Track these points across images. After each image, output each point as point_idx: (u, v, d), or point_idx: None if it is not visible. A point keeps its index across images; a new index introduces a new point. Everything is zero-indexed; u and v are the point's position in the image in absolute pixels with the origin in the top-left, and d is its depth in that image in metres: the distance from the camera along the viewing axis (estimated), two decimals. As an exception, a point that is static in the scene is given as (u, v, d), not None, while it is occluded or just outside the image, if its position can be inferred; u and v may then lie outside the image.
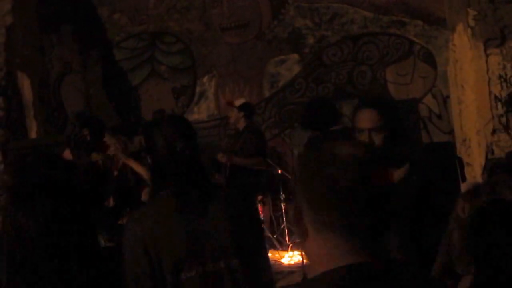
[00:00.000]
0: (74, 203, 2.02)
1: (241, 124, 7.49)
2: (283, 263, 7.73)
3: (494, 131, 6.70)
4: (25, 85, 8.26)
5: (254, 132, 7.50)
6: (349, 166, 1.45)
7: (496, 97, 6.74)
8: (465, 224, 2.31)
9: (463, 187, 4.14)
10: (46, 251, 1.92)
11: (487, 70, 6.77)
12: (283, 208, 7.78)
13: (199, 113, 9.24)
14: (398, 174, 3.50)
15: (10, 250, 1.97)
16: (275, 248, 7.87)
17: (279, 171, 7.75)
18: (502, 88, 6.75)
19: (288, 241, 7.91)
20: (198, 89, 9.36)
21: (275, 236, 7.98)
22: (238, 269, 2.83)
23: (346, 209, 1.41)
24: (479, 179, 5.14)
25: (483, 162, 6.22)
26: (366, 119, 3.66)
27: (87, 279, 1.96)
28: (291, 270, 7.50)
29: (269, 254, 5.13)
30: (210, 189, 2.90)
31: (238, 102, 7.59)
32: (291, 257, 7.90)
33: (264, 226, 7.43)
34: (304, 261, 7.31)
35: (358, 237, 1.41)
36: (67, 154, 6.53)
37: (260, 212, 7.28)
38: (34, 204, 1.91)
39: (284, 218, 7.82)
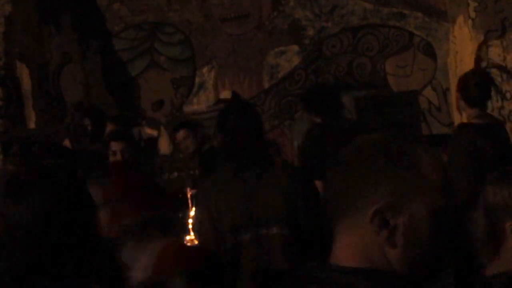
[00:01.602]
0: (80, 195, 1.99)
1: None
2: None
3: (494, 123, 6.70)
4: (24, 75, 8.24)
5: None
6: None
7: (496, 89, 6.74)
8: (495, 210, 2.33)
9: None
10: (41, 248, 1.87)
11: (488, 61, 6.77)
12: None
13: (198, 104, 9.23)
14: None
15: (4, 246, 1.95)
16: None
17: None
18: (502, 80, 6.75)
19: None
20: (197, 80, 9.34)
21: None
22: (289, 237, 3.07)
23: None
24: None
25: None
26: None
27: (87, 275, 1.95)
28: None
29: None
30: (267, 162, 3.21)
31: (223, 94, 7.61)
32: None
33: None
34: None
35: None
36: (67, 144, 6.52)
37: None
38: (34, 196, 1.87)
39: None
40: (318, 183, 5.05)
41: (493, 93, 6.67)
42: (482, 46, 6.73)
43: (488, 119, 4.40)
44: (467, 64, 6.90)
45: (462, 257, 2.68)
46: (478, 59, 6.71)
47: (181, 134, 6.91)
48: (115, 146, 4.70)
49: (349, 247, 1.39)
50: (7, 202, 1.84)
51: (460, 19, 6.97)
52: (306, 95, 5.80)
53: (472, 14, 6.76)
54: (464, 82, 4.40)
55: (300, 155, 5.91)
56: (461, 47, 7.03)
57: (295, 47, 9.13)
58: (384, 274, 1.36)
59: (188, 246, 3.52)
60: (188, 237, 3.87)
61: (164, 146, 9.20)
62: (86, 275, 1.89)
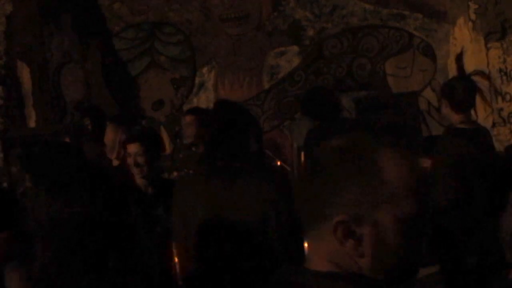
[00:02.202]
0: (112, 192, 2.03)
1: None
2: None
3: (493, 125, 6.73)
4: (25, 74, 8.25)
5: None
6: None
7: (496, 90, 6.76)
8: None
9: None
10: (82, 241, 1.92)
11: (488, 64, 6.78)
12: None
13: (198, 104, 9.22)
14: None
15: (43, 240, 1.97)
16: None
17: (278, 163, 7.75)
18: (502, 81, 6.77)
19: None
20: (197, 80, 9.35)
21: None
22: (259, 245, 3.00)
23: None
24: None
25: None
26: None
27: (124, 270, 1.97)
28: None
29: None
30: (244, 167, 3.11)
31: None
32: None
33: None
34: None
35: None
36: (67, 144, 6.53)
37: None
38: (70, 194, 1.91)
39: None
40: None
41: (493, 95, 6.71)
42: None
43: (473, 125, 4.38)
44: (467, 65, 6.91)
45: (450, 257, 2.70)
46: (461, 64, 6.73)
47: (187, 119, 6.85)
48: (130, 148, 4.63)
49: (319, 253, 1.37)
50: (50, 200, 1.88)
51: (461, 21, 6.99)
52: (304, 97, 5.81)
53: (472, 16, 6.78)
54: (451, 88, 4.37)
55: (299, 157, 5.92)
56: (461, 49, 7.05)
57: (295, 48, 9.14)
58: (358, 277, 1.33)
59: None
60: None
61: (163, 145, 9.21)
62: (125, 270, 1.93)
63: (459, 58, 6.82)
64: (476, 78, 4.34)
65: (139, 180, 4.54)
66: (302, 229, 1.40)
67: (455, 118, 4.30)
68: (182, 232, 3.11)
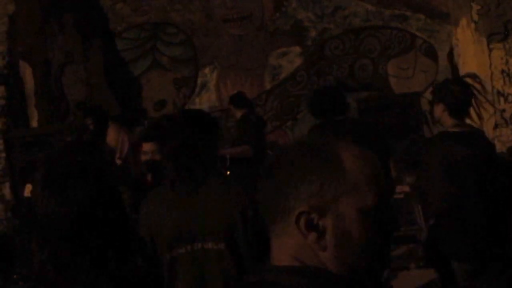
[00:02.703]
0: (109, 190, 2.03)
1: (237, 115, 7.57)
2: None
3: (496, 126, 6.72)
4: (27, 74, 8.25)
5: (245, 122, 7.51)
6: None
7: (498, 92, 6.76)
8: None
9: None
10: (79, 240, 1.93)
11: (490, 64, 6.78)
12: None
13: (201, 104, 9.24)
14: None
15: (40, 238, 1.98)
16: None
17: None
18: (504, 83, 6.77)
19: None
20: (199, 80, 9.36)
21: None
22: (225, 251, 2.98)
23: None
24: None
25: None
26: None
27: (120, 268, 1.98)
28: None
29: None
30: (205, 175, 3.07)
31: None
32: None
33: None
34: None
35: None
36: (69, 144, 6.53)
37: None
38: (67, 190, 1.92)
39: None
40: None
41: (495, 96, 6.70)
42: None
43: (467, 127, 4.33)
44: (470, 66, 6.91)
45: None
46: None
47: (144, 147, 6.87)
48: (146, 147, 4.64)
49: (282, 249, 1.36)
50: (46, 195, 1.89)
51: (463, 22, 6.99)
52: (309, 96, 5.79)
53: (475, 17, 6.78)
54: (446, 91, 4.32)
55: None
56: (464, 50, 7.05)
57: (297, 48, 9.15)
58: (319, 271, 1.33)
59: None
60: None
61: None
62: (122, 265, 1.94)
63: (452, 58, 6.83)
64: (468, 81, 4.31)
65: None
66: (267, 227, 1.39)
67: (449, 122, 4.25)
68: (149, 248, 3.13)
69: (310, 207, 1.31)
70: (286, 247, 1.35)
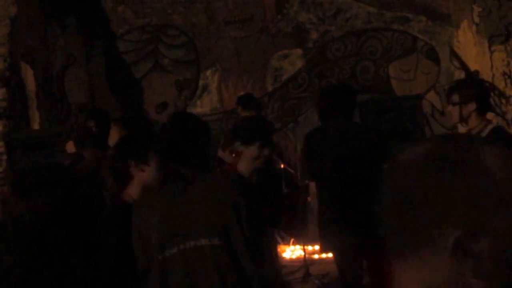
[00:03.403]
0: (79, 198, 2.03)
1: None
2: (284, 257, 7.75)
3: (497, 128, 6.71)
4: (29, 76, 8.25)
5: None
6: None
7: (500, 93, 6.75)
8: None
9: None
10: (47, 245, 1.92)
11: (491, 66, 6.78)
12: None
13: (202, 107, 9.24)
14: None
15: (7, 242, 1.98)
16: (276, 242, 7.87)
17: (282, 166, 7.76)
18: (506, 85, 6.76)
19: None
20: (201, 83, 9.36)
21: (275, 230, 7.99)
22: (219, 247, 2.97)
23: None
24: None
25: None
26: None
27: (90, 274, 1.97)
28: (292, 264, 7.51)
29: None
30: (192, 175, 3.07)
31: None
32: (292, 252, 7.92)
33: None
34: (306, 255, 7.33)
35: None
36: (70, 146, 6.54)
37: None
38: (35, 196, 1.92)
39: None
40: (312, 184, 5.05)
41: (496, 98, 6.70)
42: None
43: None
44: (471, 68, 6.91)
45: None
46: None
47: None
48: None
49: (417, 283, 1.15)
50: (14, 201, 1.89)
51: (464, 24, 6.99)
52: (315, 97, 5.75)
53: (476, 19, 6.78)
54: (485, 89, 4.27)
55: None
56: (465, 52, 7.05)
57: (299, 51, 9.15)
58: None
59: None
60: None
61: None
62: (90, 271, 1.93)
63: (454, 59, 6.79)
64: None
65: None
66: (391, 259, 1.17)
67: (477, 121, 4.21)
68: (143, 258, 3.09)
69: (464, 229, 1.09)
70: (422, 280, 1.14)
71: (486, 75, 6.71)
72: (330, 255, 8.14)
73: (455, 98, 4.30)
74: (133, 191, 3.35)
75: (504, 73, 6.72)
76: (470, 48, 6.87)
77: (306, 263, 7.22)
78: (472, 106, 4.24)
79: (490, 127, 4.25)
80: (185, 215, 3.02)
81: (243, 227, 2.97)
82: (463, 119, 4.31)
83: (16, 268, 1.90)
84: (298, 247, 7.79)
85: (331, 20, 9.07)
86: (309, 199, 5.66)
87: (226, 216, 2.98)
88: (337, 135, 4.84)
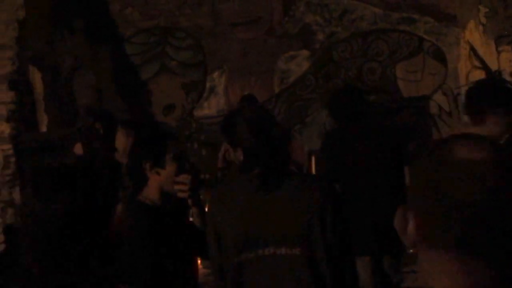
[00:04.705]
0: (96, 196, 2.05)
1: None
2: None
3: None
4: (36, 79, 8.28)
5: None
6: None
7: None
8: None
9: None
10: (64, 240, 1.94)
11: (498, 67, 6.78)
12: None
13: (209, 108, 9.26)
14: None
15: (28, 239, 2.00)
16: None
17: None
18: (513, 85, 6.75)
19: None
20: (208, 84, 9.38)
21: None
22: (300, 258, 2.78)
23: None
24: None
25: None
26: None
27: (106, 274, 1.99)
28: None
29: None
30: (285, 175, 2.88)
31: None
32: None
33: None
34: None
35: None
36: (78, 148, 6.56)
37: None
38: (54, 193, 1.94)
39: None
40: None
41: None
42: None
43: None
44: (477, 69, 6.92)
45: None
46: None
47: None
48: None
49: None
50: (33, 202, 1.92)
51: (471, 24, 6.99)
52: (325, 98, 5.73)
53: (483, 20, 6.78)
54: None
55: (318, 158, 5.86)
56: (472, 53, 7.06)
57: (305, 52, 9.16)
58: None
59: None
60: None
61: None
62: (109, 272, 1.95)
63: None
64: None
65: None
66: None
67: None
68: (216, 251, 2.92)
69: None
70: None
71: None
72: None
73: (500, 110, 3.75)
74: (148, 192, 3.31)
75: (511, 73, 6.72)
76: (477, 48, 6.87)
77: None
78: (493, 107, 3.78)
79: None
80: (266, 217, 2.82)
81: (326, 236, 2.79)
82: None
83: (34, 268, 1.92)
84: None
85: (337, 22, 9.09)
86: None
87: (310, 223, 2.79)
88: (356, 135, 4.84)
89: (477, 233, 1.08)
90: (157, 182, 3.30)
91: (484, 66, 7.44)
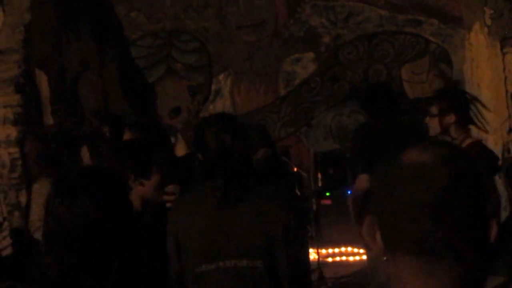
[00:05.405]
0: (121, 198, 2.06)
1: None
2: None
3: (510, 130, 6.70)
4: (43, 82, 8.31)
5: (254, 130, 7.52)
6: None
7: (512, 96, 6.74)
8: None
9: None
10: (84, 244, 1.96)
11: (504, 68, 6.76)
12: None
13: (215, 111, 9.27)
14: None
15: (48, 241, 2.02)
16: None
17: (295, 169, 7.77)
18: (517, 87, 6.74)
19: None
20: (213, 87, 9.40)
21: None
22: (262, 270, 2.75)
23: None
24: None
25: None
26: None
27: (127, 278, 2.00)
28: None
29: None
30: (249, 186, 2.84)
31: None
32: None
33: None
34: (320, 258, 7.34)
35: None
36: (85, 151, 6.59)
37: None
38: (76, 198, 1.96)
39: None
40: (365, 177, 5.05)
41: (509, 100, 6.68)
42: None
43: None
44: (483, 71, 6.91)
45: None
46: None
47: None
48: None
49: None
50: (59, 204, 1.93)
51: (476, 26, 6.98)
52: (366, 94, 5.77)
53: (488, 21, 6.77)
54: (465, 101, 4.26)
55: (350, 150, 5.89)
56: (477, 54, 7.05)
57: (311, 54, 9.17)
58: None
59: None
60: None
61: (181, 153, 9.25)
62: (129, 277, 1.96)
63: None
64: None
65: None
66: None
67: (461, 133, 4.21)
68: (176, 261, 2.88)
69: None
70: None
71: (498, 78, 6.70)
72: (343, 258, 8.16)
73: (434, 109, 4.20)
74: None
75: (516, 75, 6.71)
76: (482, 50, 6.86)
77: (319, 266, 7.23)
78: (451, 118, 4.15)
79: (468, 141, 4.20)
80: (228, 228, 2.78)
81: (289, 248, 2.75)
82: (444, 131, 4.19)
83: (53, 269, 1.94)
84: (311, 250, 7.79)
85: (343, 24, 9.09)
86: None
87: (273, 235, 2.75)
88: (388, 130, 4.91)
89: (432, 234, 1.12)
90: (141, 191, 3.30)
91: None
